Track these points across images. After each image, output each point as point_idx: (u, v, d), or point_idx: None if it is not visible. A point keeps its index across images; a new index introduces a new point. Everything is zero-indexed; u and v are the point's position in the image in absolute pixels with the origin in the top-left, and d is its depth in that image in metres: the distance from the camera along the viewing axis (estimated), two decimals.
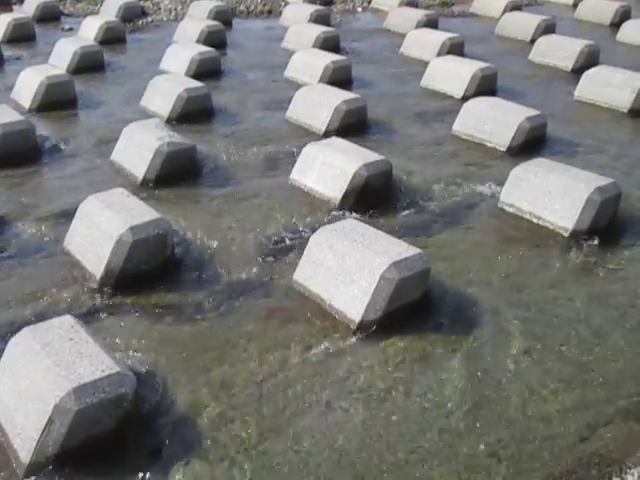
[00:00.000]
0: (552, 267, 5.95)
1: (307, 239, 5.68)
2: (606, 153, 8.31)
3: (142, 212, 5.76)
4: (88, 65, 11.25)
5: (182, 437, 4.18)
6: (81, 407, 3.87)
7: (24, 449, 3.92)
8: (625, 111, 9.61)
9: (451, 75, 10.37)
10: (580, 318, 5.32)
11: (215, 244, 6.23)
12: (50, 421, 3.86)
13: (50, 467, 3.90)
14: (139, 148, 7.47)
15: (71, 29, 13.97)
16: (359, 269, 5.15)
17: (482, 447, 4.12)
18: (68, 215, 6.30)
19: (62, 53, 11.46)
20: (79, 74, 10.82)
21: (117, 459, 4.01)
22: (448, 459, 4.05)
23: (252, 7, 15.91)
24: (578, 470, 4.00)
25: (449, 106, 9.67)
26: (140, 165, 7.37)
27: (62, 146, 8.36)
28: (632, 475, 3.93)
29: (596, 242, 6.24)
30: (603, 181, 6.47)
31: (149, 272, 5.64)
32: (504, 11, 15.06)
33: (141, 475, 3.93)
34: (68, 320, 4.51)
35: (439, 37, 12.24)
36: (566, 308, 5.44)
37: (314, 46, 12.16)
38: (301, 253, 5.68)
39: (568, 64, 11.69)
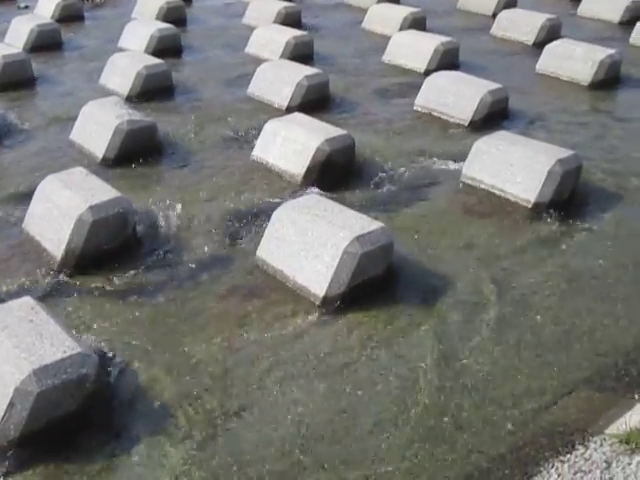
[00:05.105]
0: (515, 239, 5.98)
1: (270, 215, 5.64)
2: (567, 125, 8.34)
3: (102, 191, 5.69)
4: (45, 43, 11.09)
5: (146, 417, 4.15)
6: (42, 389, 3.82)
7: None
8: (586, 84, 9.65)
9: (413, 50, 10.34)
10: (543, 290, 5.35)
11: (177, 222, 6.18)
12: (11, 404, 3.81)
13: (12, 451, 3.85)
14: (98, 126, 7.37)
15: (27, 7, 13.74)
16: (322, 244, 5.13)
17: (446, 419, 4.14)
18: (27, 196, 6.20)
19: (18, 31, 11.28)
20: (36, 52, 10.66)
21: (81, 441, 3.96)
22: (412, 431, 4.06)
23: None
24: (542, 439, 4.04)
25: (411, 80, 9.64)
26: (100, 144, 7.28)
27: (20, 126, 8.23)
28: (595, 443, 3.97)
29: (558, 214, 6.28)
30: (564, 153, 6.50)
31: (110, 252, 5.58)
32: None
33: (105, 456, 3.89)
34: (28, 302, 4.45)
35: (401, 12, 12.19)
36: (529, 280, 5.46)
37: (275, 22, 12.07)
38: (264, 229, 5.64)
39: (530, 38, 11.72)
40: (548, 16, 11.86)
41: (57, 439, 3.93)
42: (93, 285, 5.33)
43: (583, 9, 13.64)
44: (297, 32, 10.88)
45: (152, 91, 8.99)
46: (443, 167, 7.23)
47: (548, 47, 10.32)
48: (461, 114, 8.31)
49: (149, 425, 4.10)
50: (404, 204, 6.54)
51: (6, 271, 5.50)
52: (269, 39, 10.79)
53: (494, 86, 8.42)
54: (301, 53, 10.46)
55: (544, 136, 7.44)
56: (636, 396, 4.34)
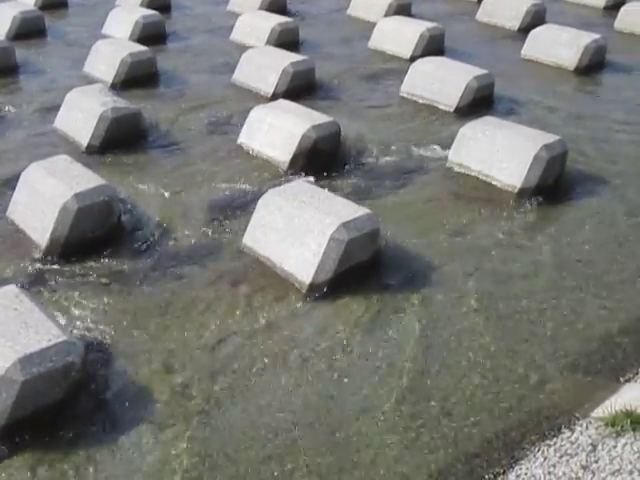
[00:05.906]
0: (501, 225, 5.99)
1: (256, 202, 5.62)
2: (553, 111, 8.35)
3: (87, 179, 5.65)
4: (28, 31, 10.98)
5: (132, 405, 4.14)
6: (27, 378, 3.81)
7: None
8: (571, 69, 9.67)
9: (399, 36, 10.31)
10: (529, 274, 5.37)
11: (162, 209, 6.15)
12: None
13: None
14: (83, 114, 7.32)
15: None
16: (308, 231, 5.12)
17: (433, 403, 4.15)
18: (11, 183, 6.16)
19: (1, 19, 11.14)
20: (19, 40, 10.55)
21: (67, 429, 3.95)
22: (398, 416, 4.07)
23: None
24: (528, 423, 4.05)
25: (397, 67, 9.62)
26: (84, 131, 7.23)
27: (3, 114, 8.16)
28: (580, 426, 3.99)
29: (544, 199, 6.28)
30: (550, 138, 6.51)
31: (95, 240, 5.55)
32: None
33: (91, 444, 3.88)
34: (12, 290, 4.43)
35: None
36: (515, 265, 5.48)
37: (260, 8, 11.99)
38: (250, 216, 5.63)
39: (515, 23, 11.71)
40: (533, 1, 11.84)
41: (43, 427, 3.92)
42: (78, 273, 5.30)
43: None
44: (282, 19, 10.82)
45: (137, 78, 8.93)
46: (429, 153, 7.23)
47: (533, 32, 10.33)
48: (447, 100, 8.30)
49: (134, 414, 4.08)
50: (390, 190, 6.54)
51: None
52: (254, 26, 10.73)
53: (480, 72, 8.41)
54: (287, 40, 10.40)
55: (530, 121, 7.45)
56: (621, 379, 4.37)
